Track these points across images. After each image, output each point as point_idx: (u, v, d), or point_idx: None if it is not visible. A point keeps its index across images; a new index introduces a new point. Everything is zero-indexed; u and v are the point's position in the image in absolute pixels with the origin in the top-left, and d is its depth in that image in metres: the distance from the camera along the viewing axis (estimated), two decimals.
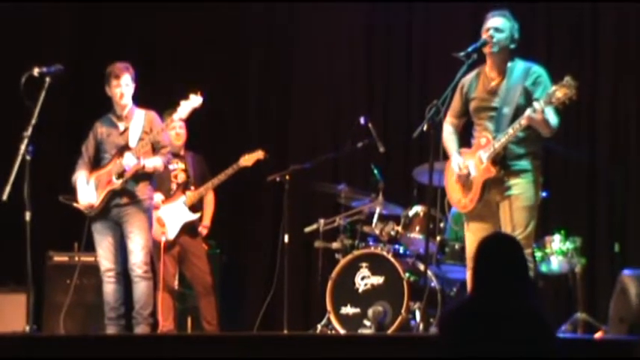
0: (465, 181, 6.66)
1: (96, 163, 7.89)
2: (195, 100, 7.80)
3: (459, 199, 6.78)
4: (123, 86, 7.80)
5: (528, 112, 6.35)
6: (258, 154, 8.72)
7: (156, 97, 8.28)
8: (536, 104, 6.32)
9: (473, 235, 6.71)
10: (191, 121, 8.01)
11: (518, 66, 6.67)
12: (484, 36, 6.66)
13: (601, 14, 9.16)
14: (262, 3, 10.37)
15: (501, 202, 6.57)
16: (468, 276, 6.72)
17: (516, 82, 6.60)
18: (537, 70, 6.65)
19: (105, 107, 7.99)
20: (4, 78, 8.00)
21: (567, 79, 6.27)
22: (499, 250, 4.47)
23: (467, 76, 6.79)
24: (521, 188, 6.54)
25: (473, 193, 6.63)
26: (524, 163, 6.57)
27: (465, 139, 6.88)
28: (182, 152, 8.78)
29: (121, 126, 7.85)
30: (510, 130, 6.45)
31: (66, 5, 10.42)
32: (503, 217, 6.54)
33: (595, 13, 9.19)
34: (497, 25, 6.66)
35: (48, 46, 9.87)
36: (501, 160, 6.54)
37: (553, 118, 6.43)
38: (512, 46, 6.70)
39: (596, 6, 9.18)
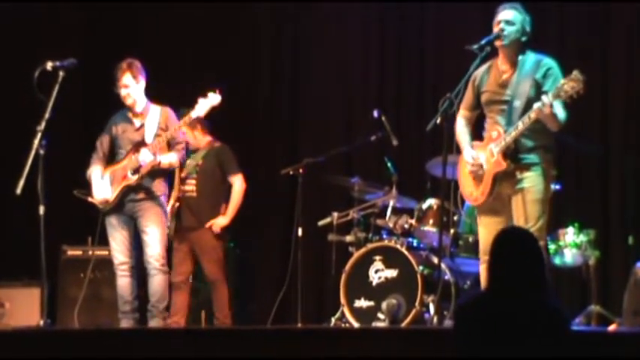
0: (477, 174, 6.65)
1: (111, 158, 7.91)
2: (213, 99, 7.78)
3: (470, 192, 6.77)
4: (123, 88, 7.79)
5: (537, 105, 6.34)
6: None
7: (168, 92, 8.26)
8: (544, 98, 6.31)
9: (485, 228, 6.70)
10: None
11: (529, 58, 6.66)
12: (496, 29, 6.65)
13: (613, 6, 9.13)
14: None
15: (513, 195, 6.55)
16: (482, 269, 6.72)
17: (527, 75, 6.59)
18: (548, 62, 6.63)
19: (120, 101, 7.99)
20: (18, 72, 8.00)
21: (575, 73, 6.26)
22: (515, 244, 4.47)
23: (479, 69, 6.78)
24: (532, 181, 6.53)
25: (484, 186, 6.62)
26: (535, 157, 6.56)
27: (477, 131, 6.86)
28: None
29: (137, 122, 7.86)
30: (520, 124, 6.43)
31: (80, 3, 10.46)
32: (516, 211, 6.53)
33: (607, 6, 9.15)
34: (508, 18, 6.65)
35: (61, 40, 9.86)
36: (512, 154, 6.52)
37: (561, 113, 6.41)
38: (524, 38, 6.68)
39: None
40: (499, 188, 6.58)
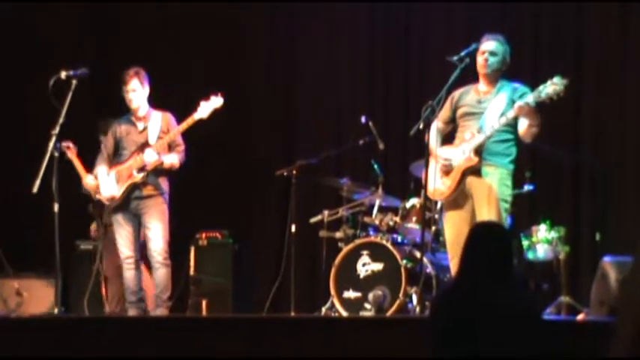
0: (446, 169, 6.70)
1: (115, 160, 7.94)
2: (215, 101, 7.81)
3: (435, 190, 6.80)
4: (130, 92, 7.82)
5: (518, 103, 6.42)
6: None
7: (168, 97, 8.30)
8: (526, 98, 6.41)
9: (452, 224, 6.77)
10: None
11: (507, 84, 6.81)
12: (480, 59, 6.74)
13: (584, 23, 9.20)
14: (266, 4, 10.35)
15: (476, 192, 6.61)
16: (452, 264, 6.76)
17: (504, 94, 6.72)
18: (524, 88, 6.78)
19: (124, 108, 8.03)
20: (34, 81, 8.03)
21: (556, 78, 6.39)
22: (489, 238, 4.48)
23: (459, 90, 6.90)
24: (496, 182, 6.60)
25: (451, 179, 6.68)
26: (502, 162, 6.65)
27: (449, 142, 6.94)
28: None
29: (140, 125, 7.89)
30: (496, 124, 6.52)
31: (90, 13, 10.48)
32: (478, 207, 6.59)
33: (579, 23, 9.23)
34: (492, 49, 6.78)
35: (73, 50, 9.89)
36: (482, 153, 6.60)
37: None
38: (504, 68, 6.82)
39: (582, 11, 9.22)
40: (464, 183, 6.64)
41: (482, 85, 6.83)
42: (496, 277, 4.32)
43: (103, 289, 8.62)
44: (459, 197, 6.66)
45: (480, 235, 4.55)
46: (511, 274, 4.38)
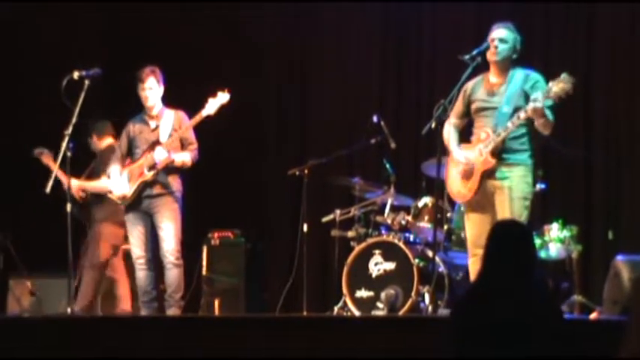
0: (467, 173, 6.65)
1: (128, 158, 7.91)
2: (222, 97, 7.78)
3: (458, 191, 6.78)
4: (147, 90, 7.80)
5: (530, 104, 6.35)
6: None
7: (181, 96, 8.25)
8: (536, 97, 6.33)
9: (473, 224, 6.71)
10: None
11: (518, 73, 6.68)
12: (490, 44, 6.66)
13: (598, 15, 9.16)
14: (280, 4, 10.31)
15: (497, 191, 6.55)
16: (470, 262, 6.72)
17: (516, 86, 6.62)
18: (536, 76, 6.67)
19: (138, 107, 8.00)
20: (47, 81, 8.01)
21: (564, 75, 6.32)
22: (510, 237, 4.46)
23: (470, 82, 6.79)
24: (516, 180, 6.53)
25: (472, 182, 6.62)
26: (520, 158, 6.57)
27: (465, 138, 6.87)
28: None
29: (152, 124, 7.86)
30: (510, 124, 6.45)
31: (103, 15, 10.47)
32: (499, 207, 6.52)
33: (590, 17, 9.18)
34: (502, 36, 6.68)
35: (86, 50, 9.87)
36: (500, 153, 6.53)
37: (549, 115, 6.43)
38: (514, 56, 6.72)
39: (592, 9, 9.18)
40: (485, 185, 6.58)
41: (493, 76, 6.73)
42: (518, 275, 4.28)
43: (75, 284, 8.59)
44: (481, 198, 6.61)
45: (501, 233, 4.54)
46: (533, 272, 4.34)
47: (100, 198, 8.48)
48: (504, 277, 4.32)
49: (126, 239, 8.05)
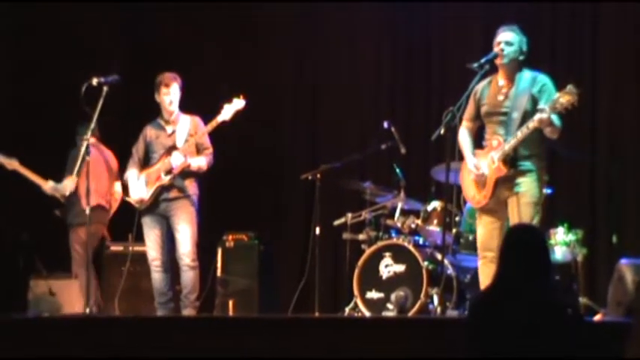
0: (480, 180, 6.66)
1: (145, 163, 7.93)
2: (238, 103, 7.81)
3: (473, 196, 6.79)
4: (171, 94, 7.83)
5: (537, 116, 6.35)
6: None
7: (197, 102, 8.27)
8: (542, 109, 6.33)
9: (484, 228, 6.72)
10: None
11: (525, 75, 6.68)
12: (495, 49, 6.67)
13: (601, 21, 9.15)
14: (292, 10, 10.31)
15: (509, 198, 6.57)
16: (480, 264, 6.72)
17: (524, 89, 6.61)
18: (543, 78, 6.66)
19: (153, 113, 8.01)
20: (67, 87, 8.03)
21: (570, 87, 6.30)
22: (525, 240, 4.47)
23: (480, 84, 6.79)
24: (528, 186, 6.55)
25: (486, 190, 6.63)
26: (531, 164, 6.58)
27: (477, 141, 6.88)
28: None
29: (169, 129, 7.88)
30: (519, 134, 6.45)
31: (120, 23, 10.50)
32: (511, 212, 6.55)
33: (595, 22, 9.17)
34: (508, 39, 6.67)
35: (104, 58, 9.89)
36: (511, 161, 6.54)
37: (557, 121, 6.45)
38: (521, 57, 6.71)
39: (597, 13, 9.18)
40: (498, 192, 6.59)
41: (501, 79, 6.73)
42: (534, 277, 4.29)
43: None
44: (494, 204, 6.63)
45: (516, 237, 4.56)
46: (548, 274, 4.35)
47: (70, 201, 8.57)
48: (520, 279, 4.32)
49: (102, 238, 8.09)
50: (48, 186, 8.69)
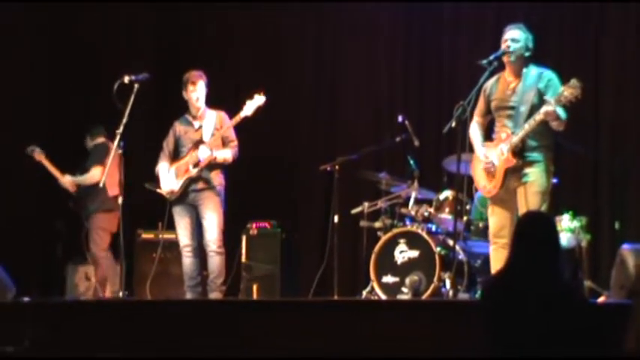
0: (490, 170, 6.70)
1: (175, 156, 8.00)
2: (259, 100, 7.86)
3: (484, 185, 6.83)
4: (198, 91, 7.90)
5: (543, 108, 6.39)
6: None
7: (220, 97, 8.34)
8: (548, 103, 6.37)
9: (495, 216, 6.77)
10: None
11: (532, 71, 6.72)
12: (503, 46, 6.71)
13: (607, 19, 9.18)
14: (310, 9, 10.35)
15: (518, 187, 6.61)
16: (491, 250, 6.77)
17: (531, 85, 6.65)
18: (549, 73, 6.70)
19: (182, 109, 8.09)
20: (101, 85, 8.12)
21: (573, 81, 6.34)
22: (535, 227, 4.52)
23: (489, 81, 6.83)
24: (535, 176, 6.58)
25: (496, 180, 6.68)
26: (539, 155, 6.62)
27: (487, 134, 6.93)
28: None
29: (196, 124, 7.95)
30: (527, 126, 6.49)
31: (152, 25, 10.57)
32: (520, 201, 6.58)
33: (601, 20, 9.20)
34: (514, 37, 6.71)
35: (135, 57, 9.97)
36: (519, 152, 6.58)
37: (563, 114, 6.48)
38: (527, 54, 6.75)
39: (603, 14, 9.20)
40: (508, 182, 6.64)
41: (508, 75, 6.78)
42: (543, 262, 4.34)
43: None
44: (504, 194, 6.67)
45: (528, 223, 4.58)
46: (557, 260, 4.39)
47: (90, 190, 8.70)
48: (531, 263, 4.36)
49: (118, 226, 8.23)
50: (65, 180, 8.87)
